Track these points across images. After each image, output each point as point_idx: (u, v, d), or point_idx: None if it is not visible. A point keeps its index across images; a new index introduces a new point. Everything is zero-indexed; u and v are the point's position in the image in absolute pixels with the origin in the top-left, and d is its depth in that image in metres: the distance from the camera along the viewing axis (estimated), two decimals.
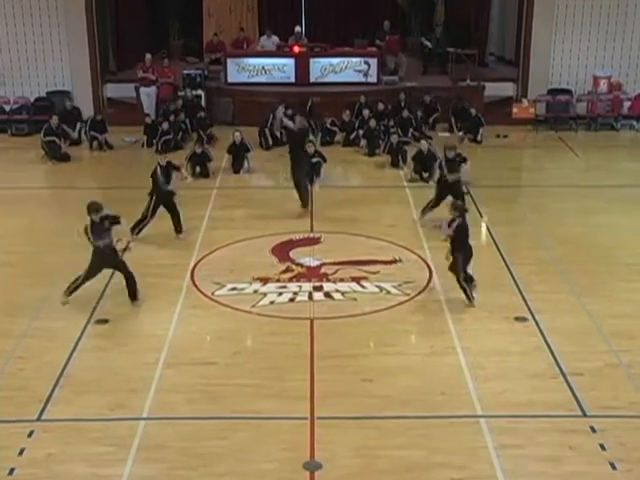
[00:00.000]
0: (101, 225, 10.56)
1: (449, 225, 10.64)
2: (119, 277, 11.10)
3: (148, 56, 20.11)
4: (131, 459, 7.78)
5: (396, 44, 21.40)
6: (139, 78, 20.12)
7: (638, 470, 7.68)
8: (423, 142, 16.20)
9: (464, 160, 13.56)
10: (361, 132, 18.34)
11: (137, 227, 12.91)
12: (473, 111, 18.94)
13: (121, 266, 10.90)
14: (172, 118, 18.49)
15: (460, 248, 10.66)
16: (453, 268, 10.78)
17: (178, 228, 13.13)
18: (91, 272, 10.77)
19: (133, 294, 10.93)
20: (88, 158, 18.46)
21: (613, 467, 7.69)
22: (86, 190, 15.17)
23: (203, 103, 19.83)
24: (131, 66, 21.15)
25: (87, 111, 19.65)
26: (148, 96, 20.00)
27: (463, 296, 10.82)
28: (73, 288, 10.82)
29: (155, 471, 7.68)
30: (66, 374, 9.29)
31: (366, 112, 18.61)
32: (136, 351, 9.81)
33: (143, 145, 18.41)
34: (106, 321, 10.54)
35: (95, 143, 18.50)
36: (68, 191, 16.04)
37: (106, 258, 10.71)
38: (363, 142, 18.02)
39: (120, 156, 18.12)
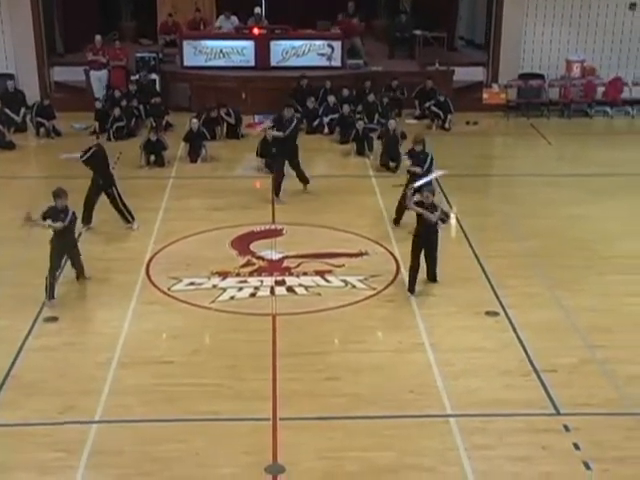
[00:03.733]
0: (57, 212, 10.49)
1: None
2: (68, 272, 10.91)
3: (98, 37, 19.53)
4: (82, 465, 7.62)
5: (352, 27, 20.97)
6: (89, 61, 19.52)
7: (614, 470, 7.61)
8: (392, 122, 15.93)
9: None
10: (325, 119, 18.10)
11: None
12: (441, 97, 18.75)
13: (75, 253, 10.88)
14: (124, 103, 17.98)
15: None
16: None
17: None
18: (56, 260, 10.55)
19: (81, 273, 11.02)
20: (34, 146, 17.94)
21: (587, 467, 7.63)
22: (32, 180, 14.77)
23: (158, 88, 19.34)
24: (80, 48, 20.44)
25: (33, 96, 18.93)
26: (99, 80, 19.47)
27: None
28: (49, 288, 10.54)
29: (108, 477, 7.54)
30: (12, 375, 9.03)
31: (331, 98, 18.34)
32: (87, 350, 9.57)
33: (94, 132, 17.81)
34: (55, 319, 10.26)
35: (42, 130, 17.91)
36: (12, 181, 15.53)
37: (67, 241, 10.63)
38: (337, 130, 17.76)
39: (69, 144, 17.32)
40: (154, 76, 19.41)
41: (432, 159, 12.67)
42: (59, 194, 10.52)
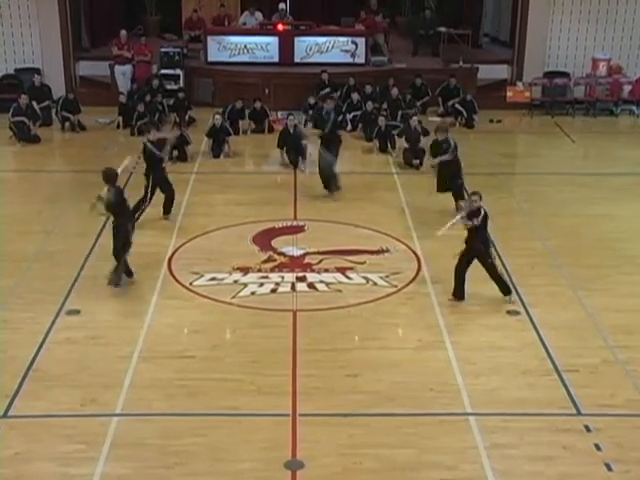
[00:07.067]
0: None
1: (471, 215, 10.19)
2: (91, 265, 11.01)
3: (123, 32, 19.62)
4: (103, 457, 7.62)
5: (375, 24, 20.93)
6: (114, 56, 19.63)
7: (636, 471, 7.53)
8: (414, 118, 15.94)
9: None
10: (348, 116, 18.02)
11: (136, 212, 12.50)
12: (468, 96, 18.67)
13: None
14: (148, 99, 18.05)
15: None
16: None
17: (168, 209, 13.00)
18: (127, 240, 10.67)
19: None
20: (59, 140, 18.01)
21: (609, 468, 7.57)
22: (57, 174, 14.84)
23: (181, 83, 19.39)
24: (105, 43, 20.66)
25: (59, 90, 19.03)
26: (123, 75, 19.54)
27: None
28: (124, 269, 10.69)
29: (129, 470, 7.50)
30: (34, 368, 9.04)
31: (355, 95, 18.26)
32: (109, 344, 9.56)
33: (118, 126, 17.95)
34: (77, 312, 10.28)
35: (67, 124, 18.01)
36: (38, 175, 15.63)
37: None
38: (360, 127, 17.69)
39: (94, 138, 17.65)
40: (178, 71, 19.45)
41: (456, 146, 12.95)
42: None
